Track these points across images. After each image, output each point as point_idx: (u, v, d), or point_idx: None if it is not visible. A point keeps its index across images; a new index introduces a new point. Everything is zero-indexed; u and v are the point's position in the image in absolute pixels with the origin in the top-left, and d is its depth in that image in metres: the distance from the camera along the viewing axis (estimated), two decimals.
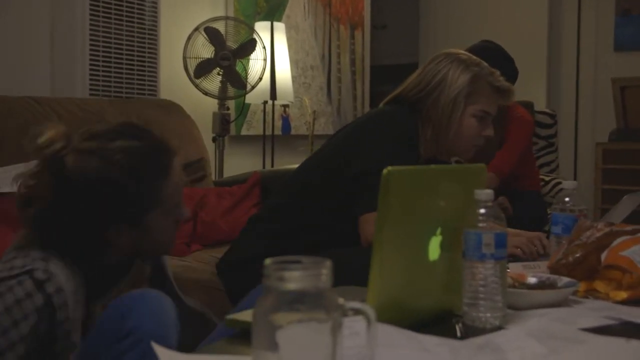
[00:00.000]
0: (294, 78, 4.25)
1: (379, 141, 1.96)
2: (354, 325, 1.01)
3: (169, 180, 1.52)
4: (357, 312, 0.79)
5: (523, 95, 3.45)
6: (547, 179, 3.79)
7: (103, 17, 3.21)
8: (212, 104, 3.66)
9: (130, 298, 1.38)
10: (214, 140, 3.66)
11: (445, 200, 1.19)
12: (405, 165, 1.15)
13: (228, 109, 3.71)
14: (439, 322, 1.18)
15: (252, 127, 4.12)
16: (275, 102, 3.88)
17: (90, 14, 3.16)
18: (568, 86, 5.01)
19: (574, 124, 5.03)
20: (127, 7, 3.32)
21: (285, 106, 4.19)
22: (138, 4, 3.37)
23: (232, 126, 3.86)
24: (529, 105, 3.84)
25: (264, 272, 0.80)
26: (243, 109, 3.90)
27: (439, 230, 1.16)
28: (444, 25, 5.35)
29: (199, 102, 3.66)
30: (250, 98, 3.80)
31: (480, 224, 1.16)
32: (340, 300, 0.79)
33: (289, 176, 2.16)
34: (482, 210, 1.17)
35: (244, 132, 4.09)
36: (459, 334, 1.11)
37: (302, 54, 4.47)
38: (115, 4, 3.27)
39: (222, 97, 3.60)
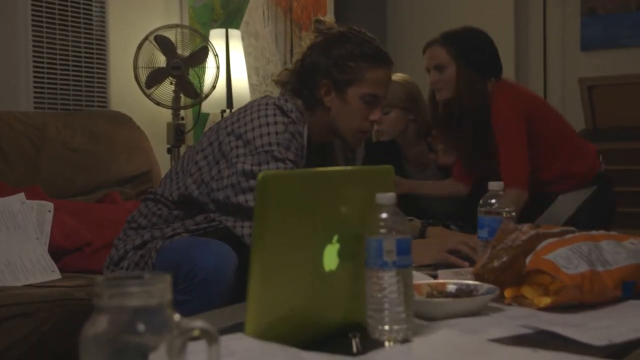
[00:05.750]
0: (255, 86, 4.17)
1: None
2: (229, 345, 0.93)
3: (376, 71, 1.91)
4: (200, 331, 0.71)
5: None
6: None
7: (47, 25, 3.11)
8: (167, 114, 3.58)
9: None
10: (168, 151, 3.57)
11: (345, 205, 1.10)
12: None
13: (183, 119, 3.62)
14: (342, 336, 1.09)
15: None
16: (233, 110, 3.79)
17: (33, 23, 3.05)
18: (536, 87, 4.94)
19: None
20: (72, 14, 3.21)
21: None
22: (84, 10, 3.27)
23: (190, 136, 3.77)
24: None
25: (94, 291, 0.71)
26: (199, 118, 3.80)
27: (335, 238, 1.07)
28: (411, 27, 5.28)
29: (152, 113, 3.57)
30: (206, 107, 3.71)
31: (382, 230, 1.08)
32: (177, 318, 0.70)
33: None
34: (384, 215, 1.08)
35: None
36: (355, 349, 1.02)
37: (263, 62, 4.38)
38: (60, 11, 3.16)
39: (175, 107, 3.51)
